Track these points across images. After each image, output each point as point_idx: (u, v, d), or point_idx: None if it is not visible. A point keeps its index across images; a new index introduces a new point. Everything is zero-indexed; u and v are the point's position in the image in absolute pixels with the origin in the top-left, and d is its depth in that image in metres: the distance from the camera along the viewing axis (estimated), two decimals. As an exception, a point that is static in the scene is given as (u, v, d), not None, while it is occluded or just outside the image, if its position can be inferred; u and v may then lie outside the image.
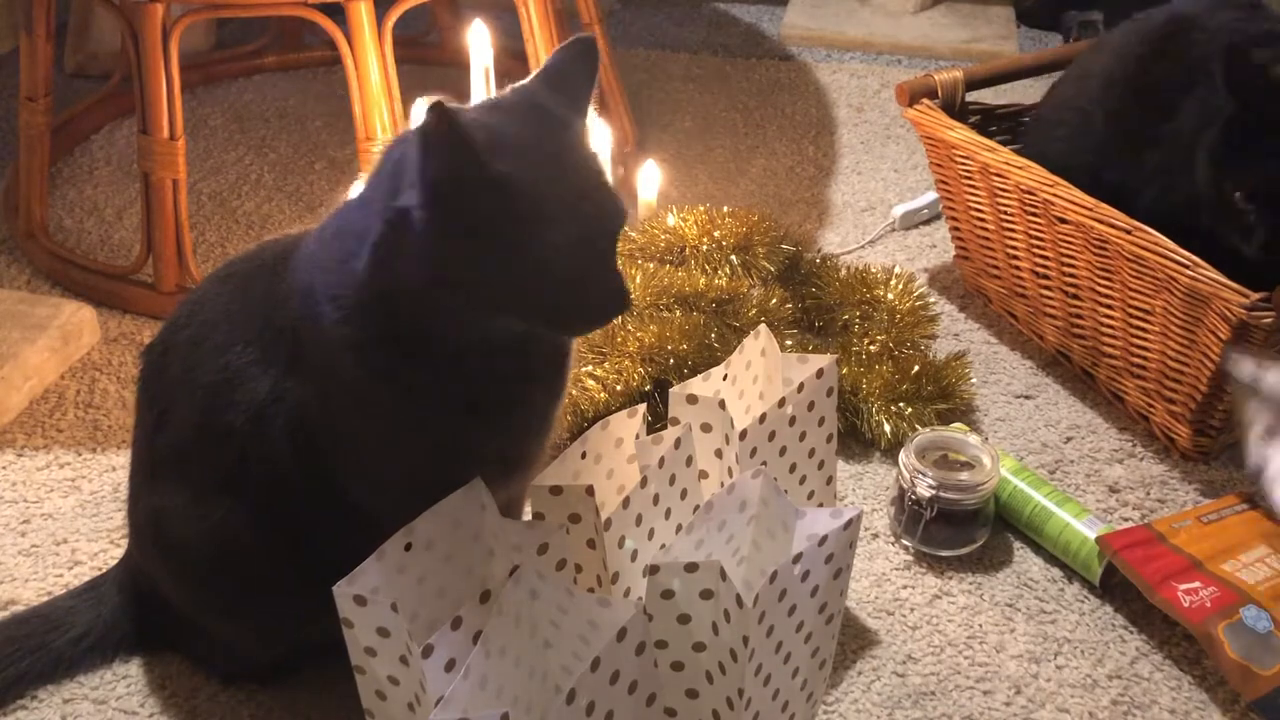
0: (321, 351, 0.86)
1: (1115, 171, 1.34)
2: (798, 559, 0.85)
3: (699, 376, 1.08)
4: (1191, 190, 1.25)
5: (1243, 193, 1.19)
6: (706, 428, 1.03)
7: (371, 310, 0.83)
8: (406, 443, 0.88)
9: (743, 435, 0.98)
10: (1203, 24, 1.33)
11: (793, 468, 1.07)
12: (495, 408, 0.88)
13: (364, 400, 0.86)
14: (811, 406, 1.05)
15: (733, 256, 1.50)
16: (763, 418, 1.00)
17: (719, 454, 1.03)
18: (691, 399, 1.02)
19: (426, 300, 0.81)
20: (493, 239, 0.77)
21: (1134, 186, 1.31)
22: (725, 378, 1.09)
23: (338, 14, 1.39)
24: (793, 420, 1.04)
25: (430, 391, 0.85)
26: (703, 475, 1.04)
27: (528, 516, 1.06)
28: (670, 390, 1.03)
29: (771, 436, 1.02)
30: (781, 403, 1.02)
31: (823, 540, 0.87)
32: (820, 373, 1.05)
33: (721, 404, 1.01)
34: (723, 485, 1.01)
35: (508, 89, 0.86)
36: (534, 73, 0.86)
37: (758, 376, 1.10)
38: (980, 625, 1.12)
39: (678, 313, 1.38)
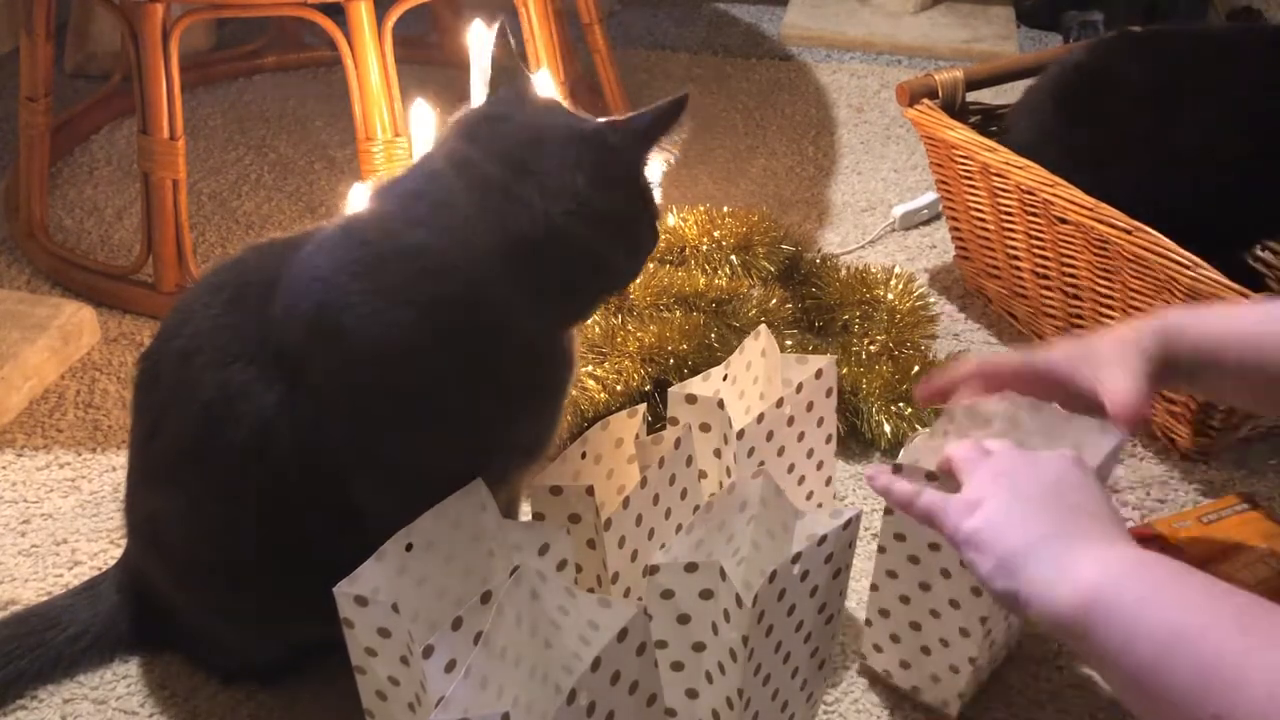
0: (350, 368, 0.86)
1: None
2: (797, 559, 0.85)
3: (699, 376, 1.08)
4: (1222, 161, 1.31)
5: None
6: (706, 428, 1.03)
7: (460, 321, 0.85)
8: (455, 440, 0.89)
9: (740, 435, 0.98)
10: (1083, 59, 1.45)
11: (791, 468, 1.07)
12: (542, 394, 0.92)
13: (414, 406, 0.87)
14: (810, 407, 1.05)
15: (733, 256, 1.50)
16: (760, 418, 1.00)
17: (718, 454, 1.04)
18: (691, 399, 1.02)
19: (533, 293, 0.86)
20: (639, 195, 0.91)
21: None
22: (725, 378, 1.09)
23: (338, 14, 1.39)
24: (791, 420, 1.04)
25: (497, 387, 0.88)
26: (702, 475, 1.04)
27: (526, 516, 1.06)
28: (670, 390, 1.04)
29: (769, 437, 1.02)
30: (779, 403, 1.02)
31: (822, 540, 0.87)
32: (819, 373, 1.05)
33: (720, 404, 1.01)
34: (722, 485, 1.01)
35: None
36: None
37: (758, 377, 1.10)
38: (980, 625, 1.12)
39: (678, 313, 1.38)
